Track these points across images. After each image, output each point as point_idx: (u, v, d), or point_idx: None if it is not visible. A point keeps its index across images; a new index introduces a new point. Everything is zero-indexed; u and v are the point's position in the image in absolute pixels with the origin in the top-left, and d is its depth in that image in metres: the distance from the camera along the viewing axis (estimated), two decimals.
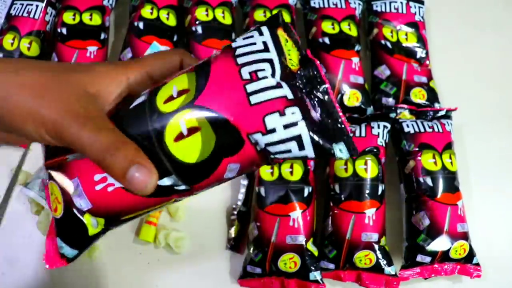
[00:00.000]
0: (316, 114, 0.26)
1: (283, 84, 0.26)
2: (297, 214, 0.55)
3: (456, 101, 0.66)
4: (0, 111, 0.27)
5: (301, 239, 0.54)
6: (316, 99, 0.26)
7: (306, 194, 0.56)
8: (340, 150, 0.26)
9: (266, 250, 0.54)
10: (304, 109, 0.26)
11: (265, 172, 0.57)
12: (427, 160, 0.57)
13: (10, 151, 0.64)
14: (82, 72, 0.28)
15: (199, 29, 0.65)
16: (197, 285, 0.59)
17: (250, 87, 0.26)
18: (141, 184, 0.26)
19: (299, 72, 0.27)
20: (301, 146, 0.26)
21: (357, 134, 0.59)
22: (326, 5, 0.69)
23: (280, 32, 0.28)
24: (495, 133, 0.68)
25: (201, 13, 0.66)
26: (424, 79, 0.66)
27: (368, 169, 0.56)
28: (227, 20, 0.66)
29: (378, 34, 0.69)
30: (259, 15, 0.67)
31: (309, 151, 0.26)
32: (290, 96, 0.26)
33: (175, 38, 0.66)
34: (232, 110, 0.26)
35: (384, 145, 0.59)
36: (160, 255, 0.60)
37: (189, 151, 0.27)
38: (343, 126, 0.27)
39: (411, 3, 0.71)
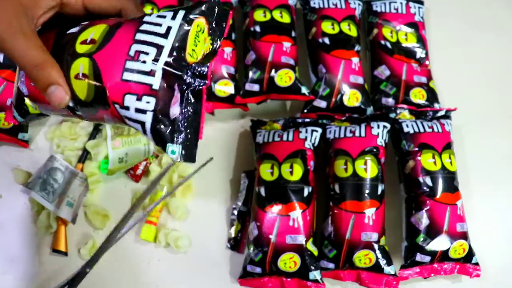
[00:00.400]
0: (176, 110, 0.29)
1: (158, 73, 0.29)
2: (297, 214, 0.55)
3: (455, 101, 0.66)
4: None
5: (301, 239, 0.54)
6: (188, 97, 0.29)
7: (306, 194, 0.56)
8: (172, 151, 0.29)
9: (266, 250, 0.54)
10: (163, 102, 0.29)
11: (265, 172, 0.57)
12: (427, 160, 0.57)
13: (10, 151, 0.64)
14: None
15: None
16: (197, 285, 0.59)
17: (128, 64, 0.29)
18: (57, 100, 0.32)
19: (193, 65, 0.29)
20: (144, 131, 0.30)
21: (357, 134, 0.59)
22: (326, 6, 0.69)
23: (199, 21, 0.30)
24: (495, 133, 0.68)
25: None
26: (423, 79, 0.67)
27: (368, 169, 0.56)
28: None
29: (378, 34, 0.69)
30: (259, 15, 0.67)
31: (150, 138, 0.30)
32: (155, 86, 0.29)
33: None
34: (109, 77, 0.30)
35: (383, 145, 0.59)
36: (161, 255, 0.60)
37: (80, 90, 0.31)
38: (189, 130, 0.29)
39: (410, 4, 0.71)
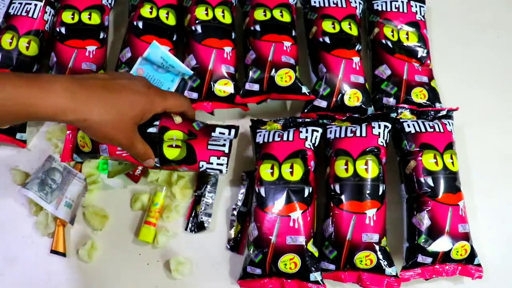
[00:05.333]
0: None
1: (227, 144, 0.54)
2: (297, 214, 0.55)
3: (457, 101, 0.65)
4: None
5: (301, 240, 0.54)
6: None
7: (306, 194, 0.56)
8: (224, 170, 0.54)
9: (266, 251, 0.54)
10: (228, 156, 0.54)
11: (265, 173, 0.56)
12: (428, 160, 0.57)
13: (10, 151, 0.64)
14: (156, 101, 0.51)
15: (199, 29, 0.64)
16: (197, 286, 0.59)
17: (209, 146, 0.53)
18: (148, 165, 0.54)
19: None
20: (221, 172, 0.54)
21: (358, 134, 0.58)
22: (327, 4, 0.69)
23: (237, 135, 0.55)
24: (497, 133, 0.68)
25: (201, 12, 0.65)
26: (425, 79, 0.66)
27: (369, 169, 0.56)
28: (227, 19, 0.66)
29: (379, 33, 0.69)
30: (259, 14, 0.66)
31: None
32: (226, 150, 0.53)
33: (174, 38, 0.66)
34: (199, 151, 0.53)
35: (385, 145, 0.58)
36: (159, 256, 0.59)
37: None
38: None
39: (412, 2, 0.71)
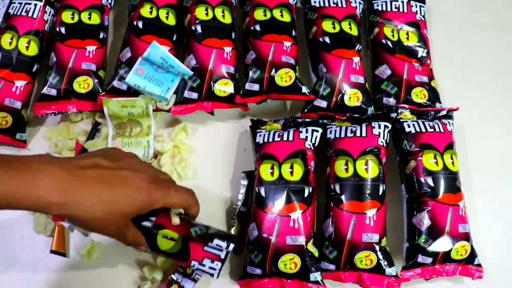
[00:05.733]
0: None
1: (224, 251, 0.50)
2: (297, 214, 0.55)
3: (457, 101, 0.65)
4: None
5: (301, 240, 0.54)
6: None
7: (306, 194, 0.56)
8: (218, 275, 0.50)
9: (266, 251, 0.54)
10: (223, 262, 0.50)
11: (265, 172, 0.56)
12: (428, 160, 0.57)
13: (10, 151, 0.64)
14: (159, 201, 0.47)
15: (199, 28, 0.64)
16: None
17: (206, 248, 0.50)
18: (140, 251, 0.53)
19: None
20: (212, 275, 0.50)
21: (358, 134, 0.58)
22: (327, 4, 0.69)
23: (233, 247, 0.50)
24: (497, 133, 0.68)
25: (201, 12, 0.65)
26: (425, 79, 0.66)
27: (369, 169, 0.56)
28: (227, 19, 0.66)
29: (379, 33, 0.69)
30: (259, 14, 0.66)
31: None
32: (222, 256, 0.50)
33: (174, 38, 0.66)
34: (194, 250, 0.50)
35: (385, 145, 0.58)
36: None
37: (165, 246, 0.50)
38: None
39: (412, 2, 0.71)
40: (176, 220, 0.50)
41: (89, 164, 0.44)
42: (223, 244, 0.49)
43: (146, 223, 0.49)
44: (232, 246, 0.50)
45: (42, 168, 0.41)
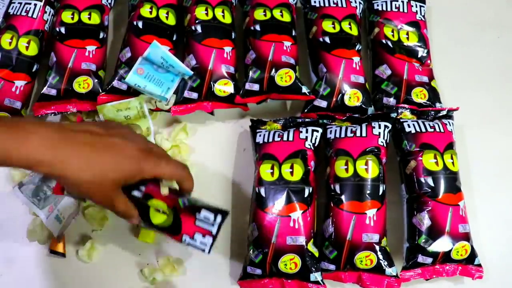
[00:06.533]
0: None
1: (215, 226, 0.48)
2: (297, 214, 0.55)
3: (457, 101, 0.65)
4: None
5: (301, 240, 0.54)
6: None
7: (306, 194, 0.56)
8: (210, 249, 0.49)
9: (266, 251, 0.54)
10: (214, 238, 0.48)
11: (265, 173, 0.56)
12: (429, 160, 0.57)
13: None
14: (150, 164, 0.47)
15: (199, 28, 0.64)
16: (197, 286, 0.58)
17: (197, 222, 0.48)
18: (133, 223, 0.50)
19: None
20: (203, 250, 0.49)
21: (358, 134, 0.58)
22: (327, 4, 0.69)
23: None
24: (497, 133, 0.68)
25: (201, 12, 0.65)
26: (425, 79, 0.66)
27: (369, 169, 0.56)
28: (227, 19, 0.66)
29: (379, 33, 0.69)
30: (259, 14, 0.66)
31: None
32: (214, 232, 0.48)
33: (174, 37, 0.66)
34: (185, 224, 0.49)
35: (385, 145, 0.58)
36: (159, 256, 0.59)
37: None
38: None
39: (412, 2, 0.71)
40: (165, 190, 0.49)
41: (82, 129, 0.45)
42: (211, 216, 0.48)
43: (136, 193, 0.48)
44: (220, 218, 0.48)
45: (35, 128, 0.41)
